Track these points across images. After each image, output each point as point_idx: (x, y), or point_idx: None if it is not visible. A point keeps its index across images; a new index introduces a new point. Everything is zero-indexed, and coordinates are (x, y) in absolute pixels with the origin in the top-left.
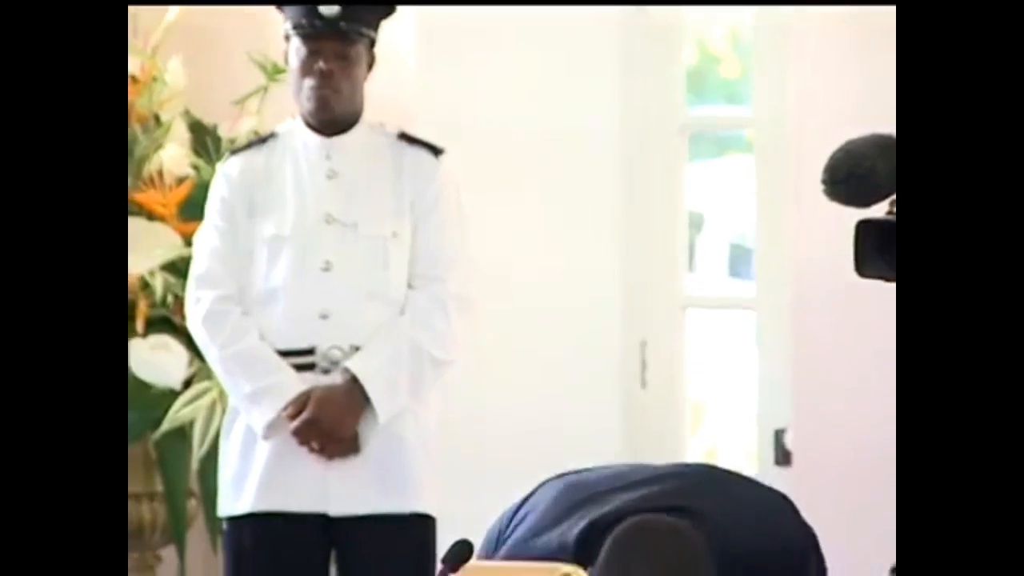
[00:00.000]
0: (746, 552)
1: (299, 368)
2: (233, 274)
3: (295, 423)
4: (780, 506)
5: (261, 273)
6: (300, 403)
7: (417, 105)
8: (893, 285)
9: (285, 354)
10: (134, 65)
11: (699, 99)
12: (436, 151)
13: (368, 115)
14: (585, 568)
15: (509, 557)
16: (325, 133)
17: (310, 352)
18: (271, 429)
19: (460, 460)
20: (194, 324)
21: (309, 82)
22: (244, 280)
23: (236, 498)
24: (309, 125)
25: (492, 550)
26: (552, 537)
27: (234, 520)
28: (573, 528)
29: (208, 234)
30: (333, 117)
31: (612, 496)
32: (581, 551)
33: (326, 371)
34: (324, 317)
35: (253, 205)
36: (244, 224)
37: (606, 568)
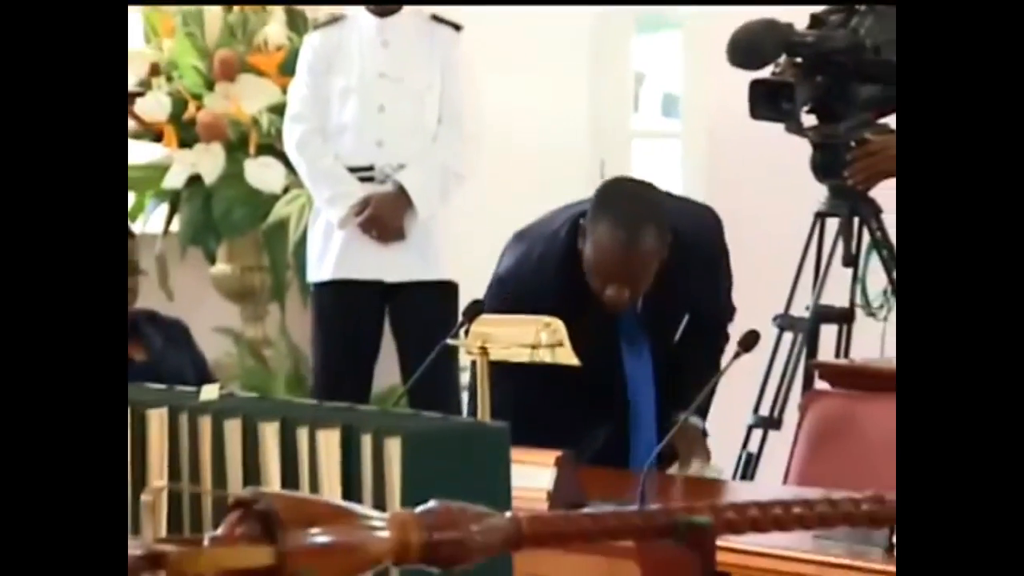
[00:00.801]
0: (682, 230)
1: (362, 179)
2: (316, 114)
3: (360, 218)
4: (708, 212)
5: (335, 113)
6: (363, 204)
7: None
8: (780, 124)
9: (352, 170)
10: None
11: None
12: (457, 28)
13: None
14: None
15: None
16: (380, 15)
17: (370, 168)
18: (344, 222)
19: (474, 244)
20: (289, 148)
21: None
22: (323, 118)
23: (319, 269)
24: (369, 10)
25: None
26: (540, 231)
27: (318, 285)
28: (558, 221)
29: (298, 86)
30: (386, 2)
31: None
32: (572, 230)
33: (381, 182)
34: (379, 144)
35: (329, 65)
36: (323, 79)
37: (592, 214)
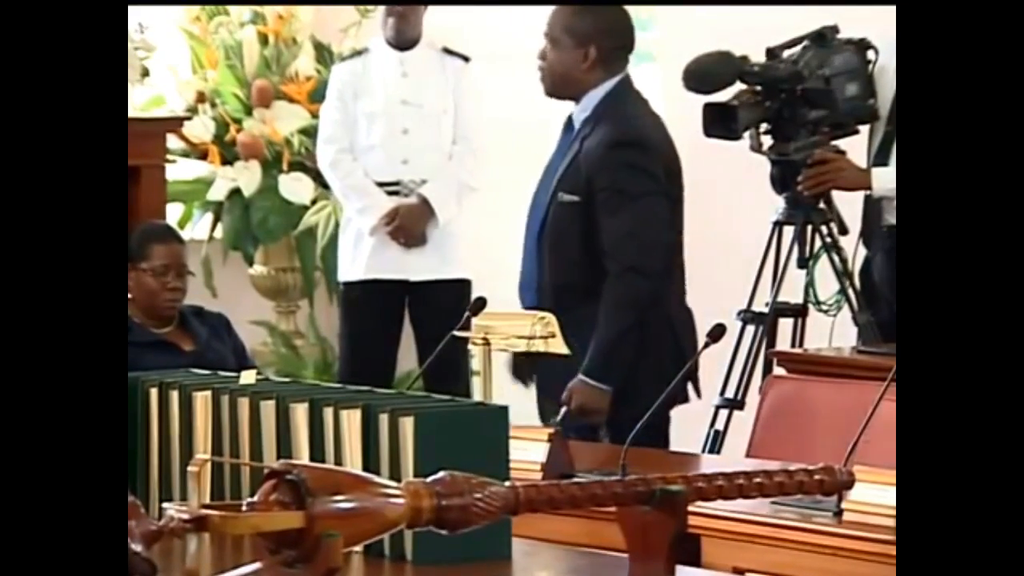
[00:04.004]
0: (618, 122)
1: (389, 193)
2: (345, 135)
3: (389, 227)
4: (650, 137)
5: (363, 134)
6: (391, 214)
7: None
8: (746, 148)
9: (380, 184)
10: (281, 9)
11: None
12: (466, 59)
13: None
14: None
15: None
16: (400, 49)
17: (396, 183)
18: (374, 230)
19: (485, 246)
20: (323, 166)
21: (391, 20)
22: (352, 138)
23: (351, 270)
24: (389, 43)
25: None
26: None
27: (348, 283)
28: None
29: (329, 111)
30: (404, 38)
31: None
32: None
33: (406, 195)
34: (404, 162)
35: (355, 92)
36: (351, 104)
37: None
